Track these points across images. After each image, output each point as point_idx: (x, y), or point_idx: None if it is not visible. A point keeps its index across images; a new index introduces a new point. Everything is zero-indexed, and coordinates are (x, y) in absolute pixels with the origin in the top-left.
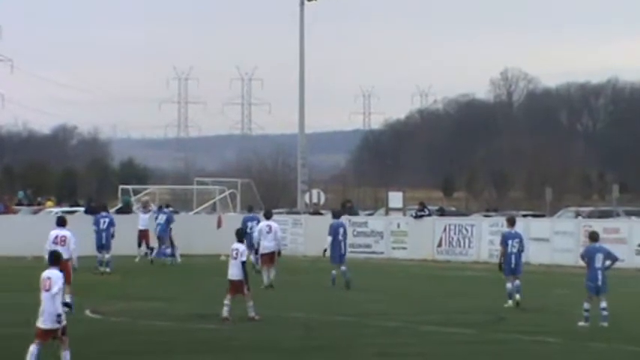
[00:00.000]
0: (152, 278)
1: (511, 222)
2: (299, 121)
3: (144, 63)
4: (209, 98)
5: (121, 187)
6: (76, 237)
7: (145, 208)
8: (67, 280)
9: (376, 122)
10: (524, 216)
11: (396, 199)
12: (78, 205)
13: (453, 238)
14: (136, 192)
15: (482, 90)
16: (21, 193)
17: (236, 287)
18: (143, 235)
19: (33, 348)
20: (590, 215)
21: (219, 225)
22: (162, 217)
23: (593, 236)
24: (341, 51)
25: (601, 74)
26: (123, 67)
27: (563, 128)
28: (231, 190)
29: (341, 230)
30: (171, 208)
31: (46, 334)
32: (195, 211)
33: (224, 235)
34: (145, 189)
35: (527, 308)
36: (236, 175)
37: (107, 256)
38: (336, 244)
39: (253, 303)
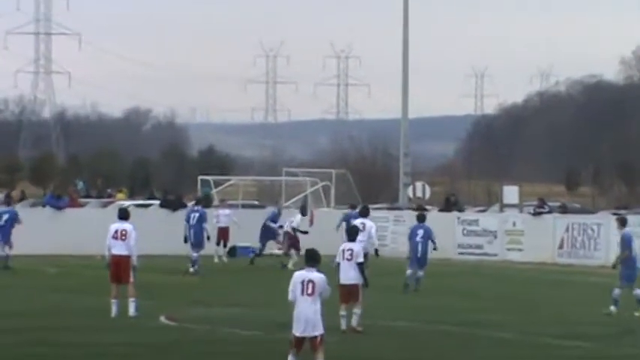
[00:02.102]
0: (232, 281)
1: (622, 222)
2: (402, 104)
3: (227, 38)
4: (300, 78)
5: (200, 177)
6: (138, 232)
7: (223, 202)
8: (126, 280)
9: (489, 106)
10: None
11: (511, 193)
12: (154, 198)
13: (576, 239)
14: (217, 183)
15: (611, 70)
16: (80, 183)
17: (350, 292)
18: (222, 233)
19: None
20: None
21: (311, 221)
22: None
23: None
24: (450, 26)
25: None
26: (204, 43)
27: None
28: (324, 183)
29: (420, 232)
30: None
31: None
32: (285, 205)
33: (316, 233)
34: (228, 180)
35: None
36: (330, 165)
37: (195, 254)
38: (412, 247)
39: (361, 312)
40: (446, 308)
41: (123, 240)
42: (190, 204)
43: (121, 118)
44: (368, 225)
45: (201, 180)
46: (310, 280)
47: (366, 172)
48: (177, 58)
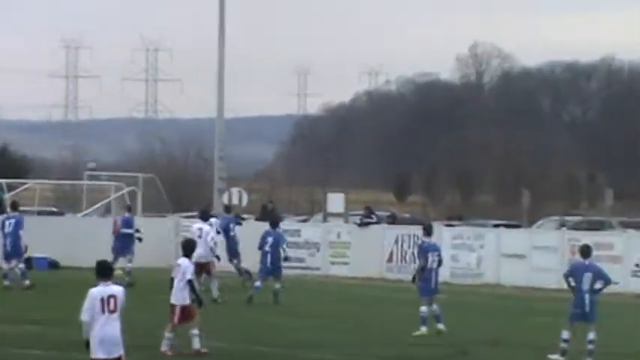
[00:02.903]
0: (25, 297)
1: (427, 230)
2: (217, 102)
3: (22, 26)
4: (105, 72)
5: None
6: None
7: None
8: None
9: (313, 106)
10: (496, 226)
11: (336, 201)
12: None
13: (406, 252)
14: (11, 187)
15: (446, 69)
16: None
17: (184, 313)
18: None
19: None
20: (577, 226)
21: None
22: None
23: (585, 251)
24: (272, 19)
25: (592, 52)
26: None
27: (545, 118)
28: (130, 188)
29: (269, 239)
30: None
31: None
32: (85, 212)
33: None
34: (23, 184)
35: (500, 340)
36: (137, 168)
37: (21, 266)
38: (262, 255)
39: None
40: (261, 326)
41: None
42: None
43: None
44: (205, 231)
45: None
46: (112, 295)
47: (177, 176)
48: None
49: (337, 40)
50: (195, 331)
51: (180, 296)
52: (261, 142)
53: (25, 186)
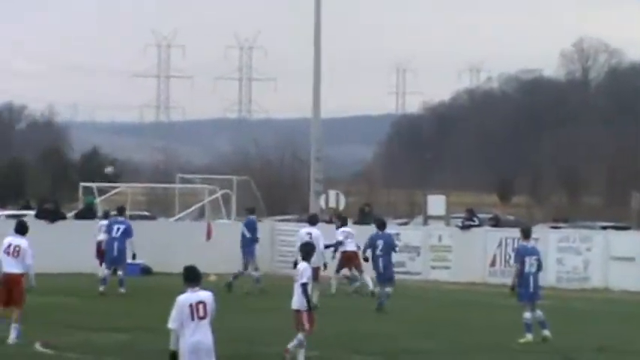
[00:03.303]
0: (119, 303)
1: (525, 233)
2: (313, 102)
3: (113, 25)
4: (197, 72)
5: (82, 184)
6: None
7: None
8: (18, 303)
9: (412, 105)
10: (604, 228)
11: (437, 204)
12: (29, 207)
13: (510, 256)
14: (101, 191)
15: (550, 65)
16: None
17: (294, 318)
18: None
19: None
20: None
21: (208, 235)
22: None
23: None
24: (369, 15)
25: None
26: (85, 30)
27: None
28: (224, 191)
29: (379, 243)
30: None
31: None
32: (178, 216)
33: (214, 249)
34: (114, 187)
35: (607, 347)
36: (231, 171)
37: (120, 273)
38: (374, 261)
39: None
40: (363, 334)
41: (15, 257)
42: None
43: None
44: (315, 235)
45: (83, 187)
46: (200, 302)
47: (272, 179)
48: (56, 48)
49: (436, 37)
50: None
51: (301, 301)
52: (359, 143)
53: (117, 190)
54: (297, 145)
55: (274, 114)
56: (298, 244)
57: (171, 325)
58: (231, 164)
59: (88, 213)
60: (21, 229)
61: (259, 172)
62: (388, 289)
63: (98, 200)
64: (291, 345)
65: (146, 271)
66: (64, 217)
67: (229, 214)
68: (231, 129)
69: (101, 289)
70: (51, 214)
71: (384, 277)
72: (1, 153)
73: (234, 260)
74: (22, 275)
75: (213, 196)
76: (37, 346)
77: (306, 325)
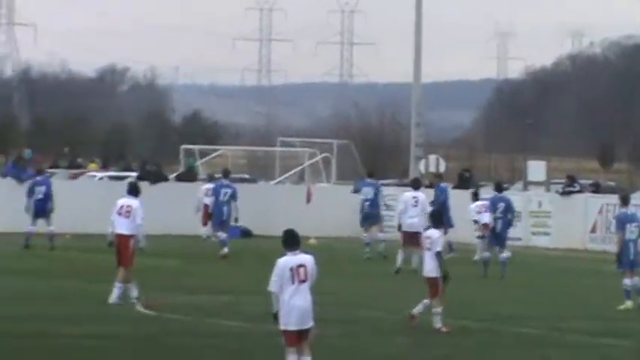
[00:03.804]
0: (220, 266)
1: (624, 200)
2: (414, 66)
3: None
4: (299, 36)
5: (183, 147)
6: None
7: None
8: (125, 264)
9: (514, 70)
10: None
11: (537, 170)
12: (130, 169)
13: (611, 222)
14: (202, 154)
15: None
16: (28, 152)
17: (430, 285)
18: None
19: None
20: None
21: (308, 199)
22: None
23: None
24: None
25: None
26: None
27: None
28: (324, 154)
29: (501, 205)
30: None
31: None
32: (278, 180)
33: (314, 212)
34: (215, 150)
35: None
36: (331, 134)
37: (224, 235)
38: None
39: (443, 309)
40: (464, 300)
41: (126, 217)
42: (172, 176)
43: (95, 78)
44: (421, 199)
45: (185, 150)
46: (301, 265)
47: (372, 143)
48: (157, 10)
49: (539, 2)
50: (438, 310)
51: (433, 268)
52: (460, 108)
53: (217, 152)
54: (397, 109)
55: (375, 78)
56: (401, 207)
57: (271, 287)
58: (331, 128)
59: (189, 175)
60: (133, 190)
61: (359, 136)
62: (505, 255)
63: (199, 163)
64: (416, 310)
65: (246, 233)
66: (165, 179)
67: (329, 178)
68: (332, 93)
69: (225, 250)
70: (153, 176)
71: (500, 239)
72: (104, 116)
73: (334, 224)
74: (131, 237)
75: (314, 160)
76: (139, 308)
77: (440, 291)
